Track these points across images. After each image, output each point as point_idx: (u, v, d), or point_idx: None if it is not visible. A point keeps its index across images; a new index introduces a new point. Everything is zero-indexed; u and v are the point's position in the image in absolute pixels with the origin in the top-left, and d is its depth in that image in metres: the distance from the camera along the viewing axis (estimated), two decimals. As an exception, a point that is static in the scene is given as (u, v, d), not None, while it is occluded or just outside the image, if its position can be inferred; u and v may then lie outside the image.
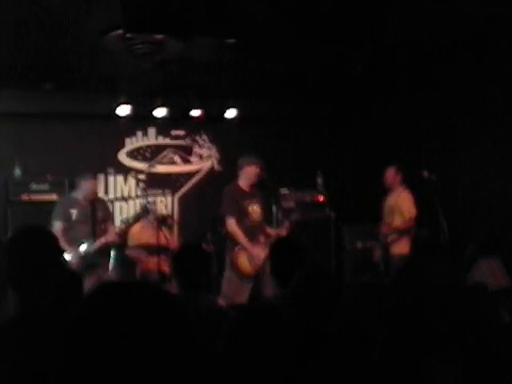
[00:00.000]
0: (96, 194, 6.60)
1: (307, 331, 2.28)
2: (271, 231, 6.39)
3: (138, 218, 6.96)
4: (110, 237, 6.27)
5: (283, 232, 6.30)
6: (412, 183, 7.01)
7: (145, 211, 6.83)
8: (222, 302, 6.30)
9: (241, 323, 1.84)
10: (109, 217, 6.67)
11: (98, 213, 6.33)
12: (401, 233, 6.90)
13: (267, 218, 6.54)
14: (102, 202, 6.83)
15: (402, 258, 6.50)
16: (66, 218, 6.16)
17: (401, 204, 6.91)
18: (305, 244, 4.40)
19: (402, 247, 6.91)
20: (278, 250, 3.98)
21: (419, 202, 6.89)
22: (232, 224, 6.29)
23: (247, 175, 6.42)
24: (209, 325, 2.67)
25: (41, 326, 1.07)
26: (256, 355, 1.72)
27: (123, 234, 6.77)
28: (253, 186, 6.47)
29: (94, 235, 6.16)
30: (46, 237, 2.27)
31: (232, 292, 6.24)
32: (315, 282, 2.65)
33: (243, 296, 6.19)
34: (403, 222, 6.91)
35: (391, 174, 7.06)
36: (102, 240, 6.16)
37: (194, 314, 1.19)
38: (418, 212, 6.86)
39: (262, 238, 6.37)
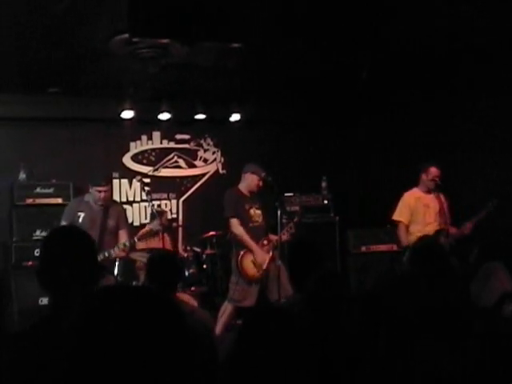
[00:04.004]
0: (108, 200, 6.22)
1: (319, 334, 2.28)
2: (273, 237, 6.40)
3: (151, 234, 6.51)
4: (116, 252, 5.99)
5: (286, 235, 6.31)
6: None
7: (152, 218, 6.64)
8: (230, 305, 6.33)
9: (249, 326, 1.85)
10: (122, 226, 6.27)
11: (108, 221, 6.09)
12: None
13: (270, 223, 6.54)
14: (118, 209, 6.43)
15: None
16: (73, 220, 5.96)
17: (445, 208, 6.43)
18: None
19: None
20: (295, 254, 3.93)
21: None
22: (236, 224, 6.32)
23: (248, 182, 6.52)
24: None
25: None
26: (265, 358, 1.72)
27: (131, 249, 6.42)
28: (253, 192, 6.54)
29: (99, 244, 5.78)
30: (82, 237, 2.27)
31: (239, 296, 6.27)
32: (328, 285, 2.63)
33: (251, 299, 6.22)
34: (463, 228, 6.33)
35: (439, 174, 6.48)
36: (106, 254, 5.87)
37: None
38: None
39: (265, 242, 6.41)
